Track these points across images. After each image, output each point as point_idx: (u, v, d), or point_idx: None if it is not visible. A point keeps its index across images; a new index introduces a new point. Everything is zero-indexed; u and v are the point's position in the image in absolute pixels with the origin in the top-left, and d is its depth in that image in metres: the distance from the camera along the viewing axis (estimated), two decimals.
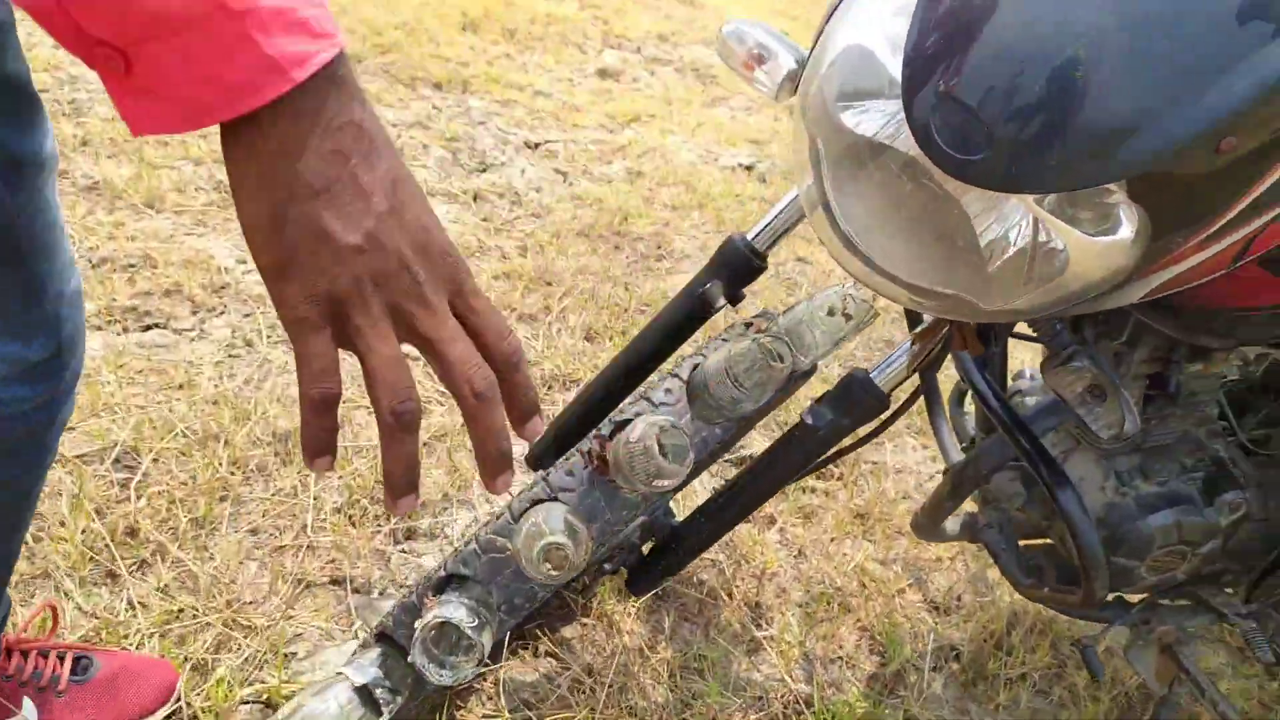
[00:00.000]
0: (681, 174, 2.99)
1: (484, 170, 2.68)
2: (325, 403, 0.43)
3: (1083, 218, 0.67)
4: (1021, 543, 1.26)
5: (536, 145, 2.94)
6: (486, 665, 0.79)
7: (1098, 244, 0.66)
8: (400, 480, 0.45)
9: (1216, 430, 1.13)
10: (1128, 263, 0.67)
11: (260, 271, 0.42)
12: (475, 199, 2.48)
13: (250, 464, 1.46)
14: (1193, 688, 1.22)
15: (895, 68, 0.70)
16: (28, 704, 1.02)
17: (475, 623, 0.78)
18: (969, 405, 1.40)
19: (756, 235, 1.02)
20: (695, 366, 0.89)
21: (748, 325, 0.97)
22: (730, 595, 1.47)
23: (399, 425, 0.43)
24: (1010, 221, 0.69)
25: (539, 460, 1.17)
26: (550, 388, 1.85)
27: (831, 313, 0.90)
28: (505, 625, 0.86)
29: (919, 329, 0.91)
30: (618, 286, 2.24)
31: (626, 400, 0.89)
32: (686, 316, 1.05)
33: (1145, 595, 1.22)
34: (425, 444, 1.59)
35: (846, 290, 0.91)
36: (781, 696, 1.34)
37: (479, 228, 2.35)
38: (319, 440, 0.44)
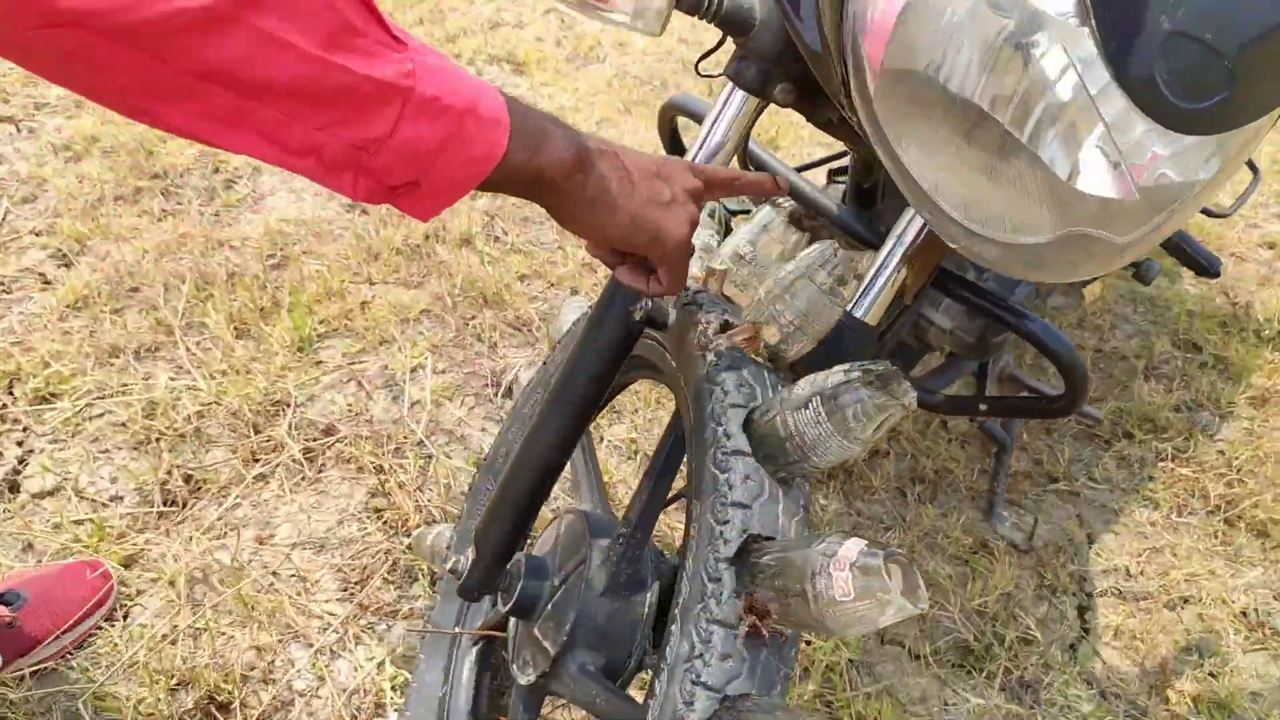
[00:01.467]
0: None
1: None
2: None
3: None
4: None
5: None
6: None
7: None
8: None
9: None
10: None
11: (608, 250, 0.67)
12: None
13: None
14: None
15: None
16: None
17: None
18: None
19: None
20: (747, 426, 0.67)
21: (724, 328, 0.75)
22: None
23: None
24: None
25: (477, 589, 0.85)
26: (246, 429, 1.39)
27: (842, 283, 0.71)
28: None
29: (910, 249, 0.76)
30: (221, 248, 1.70)
31: (702, 507, 0.64)
32: (619, 347, 0.78)
33: None
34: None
35: (840, 250, 0.71)
36: None
37: None
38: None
